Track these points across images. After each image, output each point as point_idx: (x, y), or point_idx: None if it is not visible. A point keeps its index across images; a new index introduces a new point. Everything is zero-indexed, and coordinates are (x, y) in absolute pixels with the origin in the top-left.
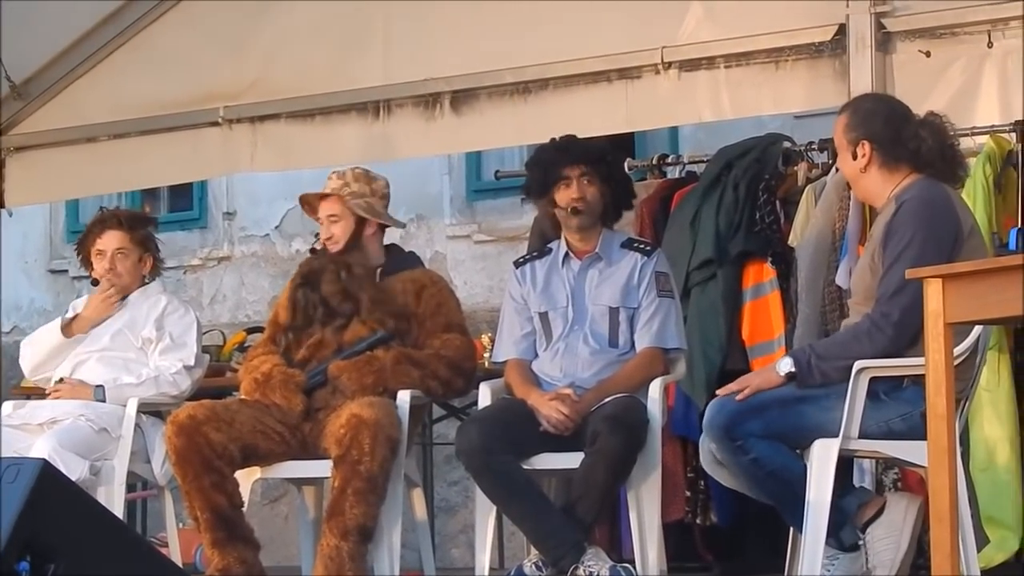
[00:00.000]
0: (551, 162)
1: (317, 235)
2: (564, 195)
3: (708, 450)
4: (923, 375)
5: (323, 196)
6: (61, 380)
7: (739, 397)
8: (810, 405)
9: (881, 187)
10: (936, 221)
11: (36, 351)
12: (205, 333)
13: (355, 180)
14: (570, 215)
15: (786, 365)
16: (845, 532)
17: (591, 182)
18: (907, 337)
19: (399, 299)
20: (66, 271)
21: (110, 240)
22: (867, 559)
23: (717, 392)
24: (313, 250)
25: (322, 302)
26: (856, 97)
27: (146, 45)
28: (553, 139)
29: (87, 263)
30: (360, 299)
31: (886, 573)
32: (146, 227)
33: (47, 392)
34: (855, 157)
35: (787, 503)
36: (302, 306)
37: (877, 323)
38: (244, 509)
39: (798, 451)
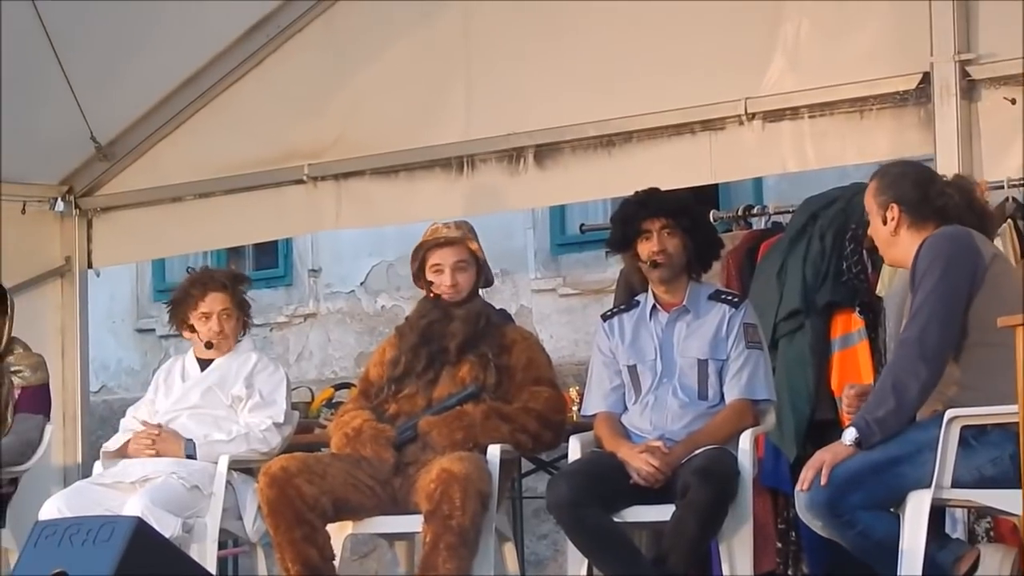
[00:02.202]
0: (631, 216)
1: (431, 283)
2: (645, 248)
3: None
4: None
5: (450, 242)
6: (159, 426)
7: (823, 482)
8: (905, 464)
9: (911, 248)
10: (955, 250)
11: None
12: (293, 390)
13: (470, 231)
14: (651, 268)
15: (851, 434)
16: None
17: (672, 234)
18: (932, 348)
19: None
20: (153, 330)
21: (214, 302)
22: None
23: (800, 489)
24: (434, 296)
25: (440, 350)
26: (885, 164)
27: (228, 105)
28: (636, 192)
29: (183, 324)
30: (483, 347)
31: None
32: (244, 286)
33: (132, 441)
34: (885, 222)
35: (890, 564)
36: (414, 354)
37: (900, 345)
38: (336, 563)
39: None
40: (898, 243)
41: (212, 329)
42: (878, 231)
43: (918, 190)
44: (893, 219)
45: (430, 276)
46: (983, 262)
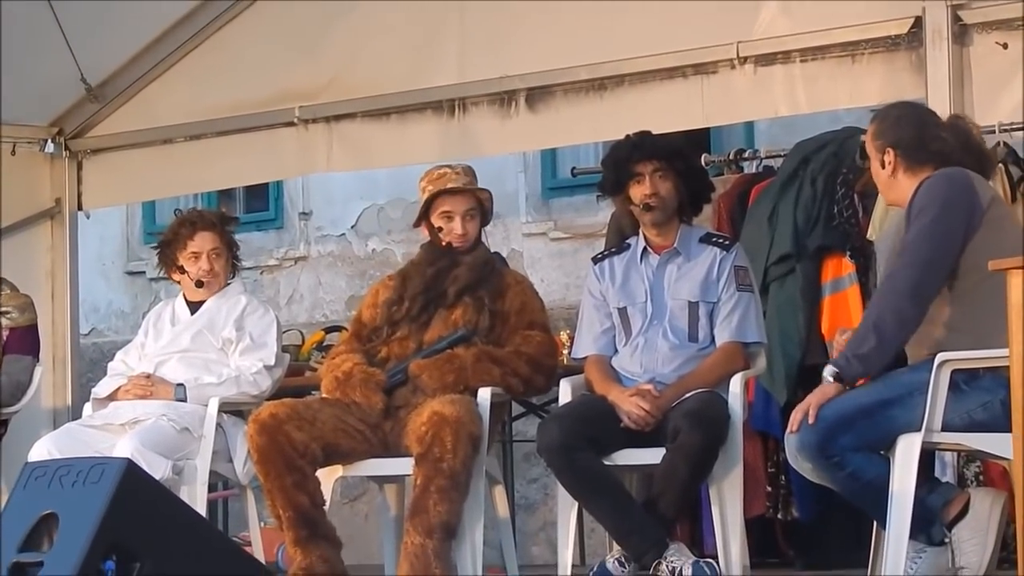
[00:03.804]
0: (624, 159)
1: (440, 229)
2: (637, 191)
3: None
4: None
5: (462, 190)
6: (148, 376)
7: (811, 420)
8: (896, 407)
9: (910, 190)
10: (952, 191)
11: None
12: (284, 333)
13: (474, 176)
14: (643, 211)
15: (830, 370)
16: (934, 529)
17: (664, 177)
18: (917, 287)
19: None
20: (143, 273)
21: (203, 241)
22: (954, 558)
23: (790, 431)
24: (443, 243)
25: (438, 295)
26: (886, 105)
27: (220, 46)
28: (627, 136)
29: (171, 266)
30: (480, 291)
31: (974, 574)
32: (232, 227)
33: (121, 388)
34: (883, 165)
35: (880, 507)
36: (414, 300)
37: (886, 281)
38: (326, 508)
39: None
40: (896, 185)
41: (202, 268)
42: (878, 174)
43: (913, 134)
44: (890, 163)
45: (438, 221)
46: (980, 204)
